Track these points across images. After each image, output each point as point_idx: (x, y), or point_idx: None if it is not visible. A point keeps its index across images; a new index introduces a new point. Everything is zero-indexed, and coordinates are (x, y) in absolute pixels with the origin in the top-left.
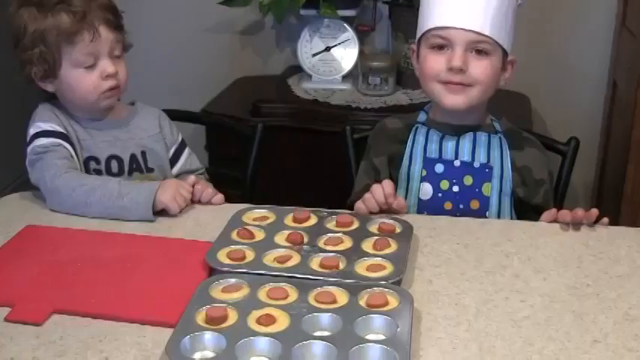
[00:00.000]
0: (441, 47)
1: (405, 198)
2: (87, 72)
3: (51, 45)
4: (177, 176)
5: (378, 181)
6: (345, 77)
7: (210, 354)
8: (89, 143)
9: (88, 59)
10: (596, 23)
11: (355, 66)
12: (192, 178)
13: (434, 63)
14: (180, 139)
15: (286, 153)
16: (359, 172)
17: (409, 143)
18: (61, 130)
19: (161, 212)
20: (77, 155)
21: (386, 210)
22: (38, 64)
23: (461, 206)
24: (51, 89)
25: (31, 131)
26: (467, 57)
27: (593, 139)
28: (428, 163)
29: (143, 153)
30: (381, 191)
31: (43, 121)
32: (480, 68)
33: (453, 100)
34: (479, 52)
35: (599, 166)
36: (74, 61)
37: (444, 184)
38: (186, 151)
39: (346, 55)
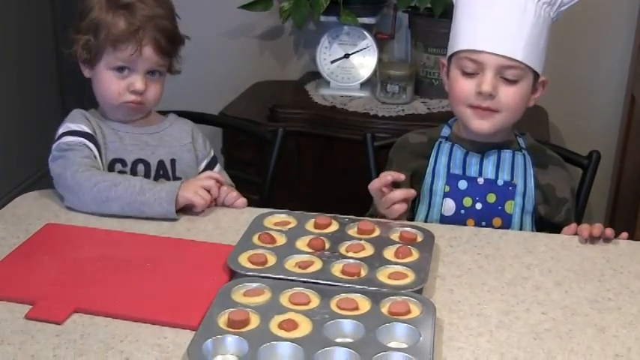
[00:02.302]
0: (471, 72)
1: (427, 214)
2: (117, 77)
3: (99, 39)
4: None
5: None
6: (363, 85)
7: (232, 357)
8: (117, 145)
9: (122, 67)
10: (615, 38)
11: (374, 74)
12: (215, 173)
13: (463, 87)
14: (212, 154)
15: (302, 158)
16: None
17: (432, 159)
18: (88, 130)
19: (184, 212)
20: (101, 157)
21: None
22: (82, 49)
23: (483, 223)
24: (87, 75)
25: (60, 131)
26: (497, 82)
27: (610, 153)
28: (451, 179)
29: (173, 161)
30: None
31: (72, 122)
32: (508, 94)
33: (479, 124)
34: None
35: (614, 180)
36: (110, 64)
37: (467, 201)
38: (217, 167)
39: (365, 62)
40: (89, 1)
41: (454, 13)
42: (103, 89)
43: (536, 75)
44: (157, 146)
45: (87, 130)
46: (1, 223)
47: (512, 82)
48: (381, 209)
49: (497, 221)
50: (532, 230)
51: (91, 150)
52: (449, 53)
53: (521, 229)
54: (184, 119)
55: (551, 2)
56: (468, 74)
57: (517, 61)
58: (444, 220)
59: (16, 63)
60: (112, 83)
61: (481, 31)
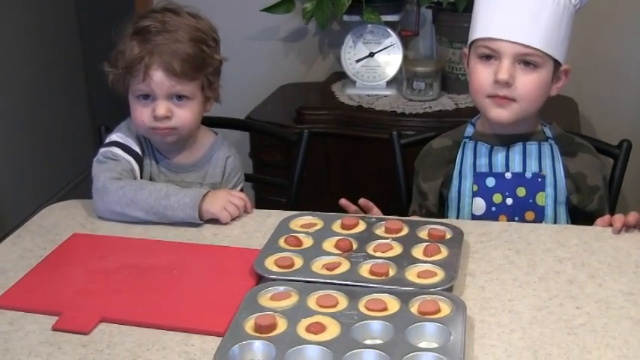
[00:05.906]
0: (488, 57)
1: (457, 216)
2: (142, 104)
3: (118, 68)
4: None
5: (423, 206)
6: (389, 83)
7: None
8: (154, 176)
9: (145, 94)
10: None
11: (399, 71)
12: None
13: (481, 76)
14: (240, 187)
15: (330, 160)
16: (413, 189)
17: (458, 161)
18: (138, 150)
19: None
20: (142, 177)
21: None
22: (111, 82)
23: (516, 219)
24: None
25: (113, 137)
26: (514, 69)
27: None
28: (479, 178)
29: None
30: None
31: (127, 136)
32: (525, 83)
33: (498, 113)
34: (527, 64)
35: None
36: (134, 92)
37: (497, 198)
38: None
39: (390, 60)
40: (120, 33)
41: (474, 3)
42: (134, 118)
43: (557, 64)
44: (191, 182)
45: (137, 149)
46: (27, 234)
47: (530, 70)
48: None
49: (530, 215)
50: (567, 221)
51: (133, 169)
52: (468, 42)
53: (555, 220)
54: (224, 149)
55: None
56: (485, 60)
57: (534, 48)
58: (475, 219)
59: (44, 78)
60: (137, 111)
61: (497, 19)
